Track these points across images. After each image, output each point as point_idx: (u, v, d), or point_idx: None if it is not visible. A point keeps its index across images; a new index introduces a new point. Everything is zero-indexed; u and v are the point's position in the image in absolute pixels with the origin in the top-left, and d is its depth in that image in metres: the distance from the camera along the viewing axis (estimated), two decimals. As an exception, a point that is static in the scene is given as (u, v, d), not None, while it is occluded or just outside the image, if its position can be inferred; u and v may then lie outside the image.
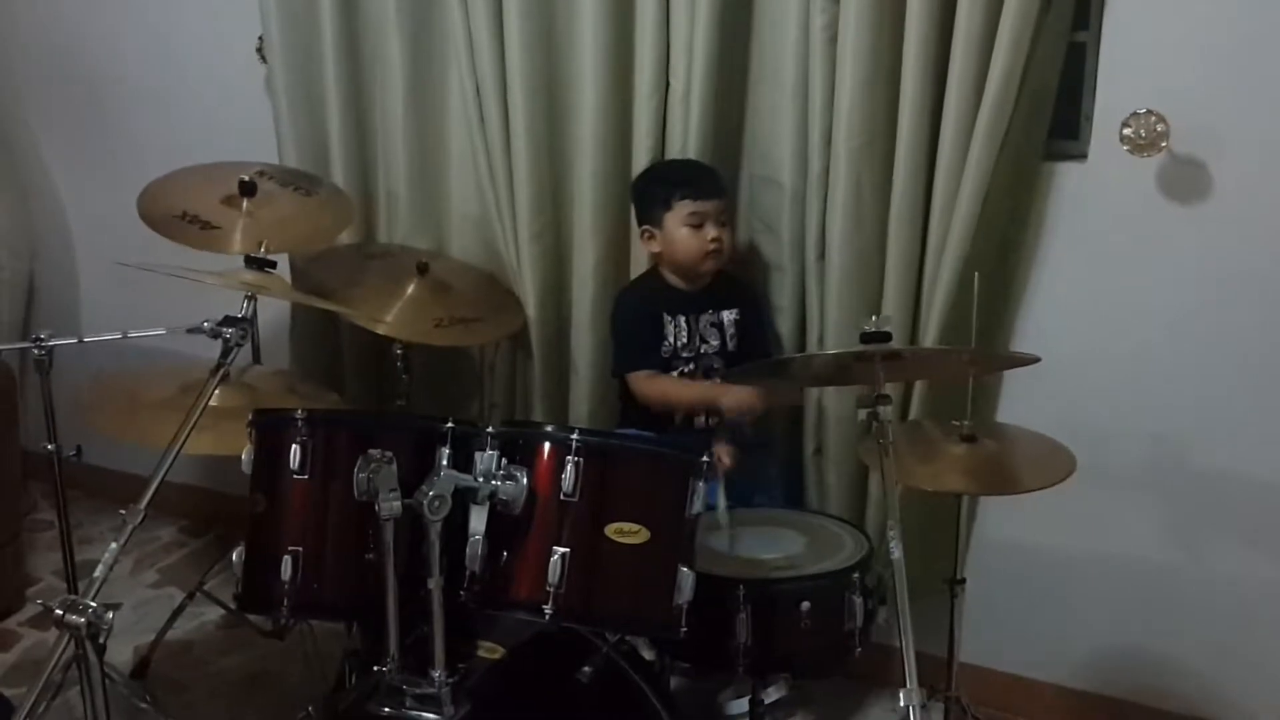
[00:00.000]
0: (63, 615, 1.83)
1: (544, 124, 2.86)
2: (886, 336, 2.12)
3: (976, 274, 2.42)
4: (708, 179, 2.71)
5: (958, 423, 2.40)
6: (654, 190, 2.75)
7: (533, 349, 3.01)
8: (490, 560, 2.06)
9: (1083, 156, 2.58)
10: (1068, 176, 2.59)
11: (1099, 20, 2.50)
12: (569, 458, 2.04)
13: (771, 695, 2.42)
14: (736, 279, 2.83)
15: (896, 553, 2.01)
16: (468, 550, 2.05)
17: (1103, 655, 2.83)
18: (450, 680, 2.04)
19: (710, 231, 2.69)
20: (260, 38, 3.13)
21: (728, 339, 2.76)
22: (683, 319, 2.77)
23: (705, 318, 2.77)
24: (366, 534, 2.05)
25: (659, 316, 2.77)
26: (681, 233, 2.70)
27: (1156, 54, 2.46)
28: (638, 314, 2.80)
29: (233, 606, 2.31)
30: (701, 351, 2.77)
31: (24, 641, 3.19)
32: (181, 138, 3.31)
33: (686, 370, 2.76)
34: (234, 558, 2.21)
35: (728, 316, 2.76)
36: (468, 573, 2.06)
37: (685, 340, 2.77)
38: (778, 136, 2.73)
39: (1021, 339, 2.69)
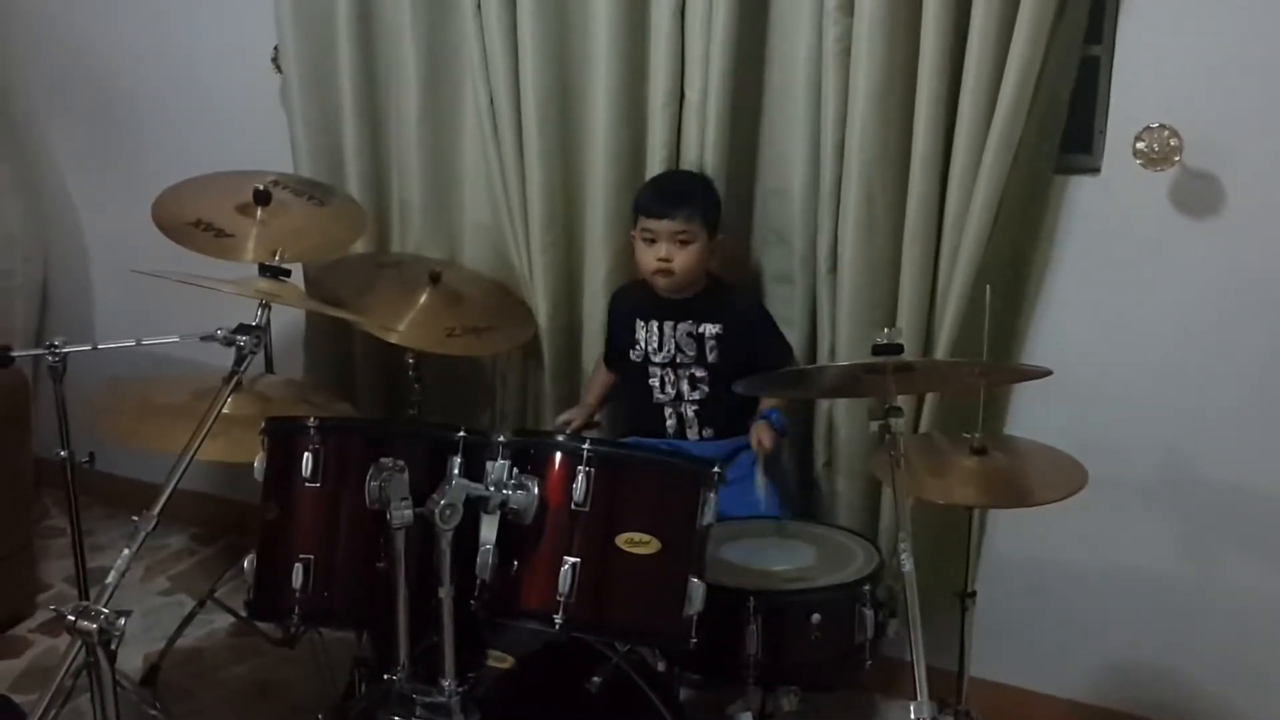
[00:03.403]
0: (75, 621, 1.82)
1: (557, 134, 2.87)
2: (898, 349, 2.12)
3: (989, 286, 2.42)
4: (669, 198, 2.70)
5: (969, 435, 2.40)
6: (633, 201, 2.79)
7: (544, 359, 3.02)
8: (501, 569, 2.06)
9: (1095, 170, 2.58)
10: (1080, 190, 2.59)
11: (1112, 34, 2.50)
12: (580, 468, 2.04)
13: (781, 707, 2.42)
14: (731, 295, 2.81)
15: (907, 565, 2.01)
16: (478, 559, 2.05)
17: (1114, 669, 2.82)
18: (460, 689, 2.04)
19: (660, 250, 2.70)
20: (276, 48, 3.15)
21: (707, 351, 2.75)
22: (655, 324, 2.78)
23: (683, 327, 2.76)
24: (378, 542, 2.05)
25: (631, 319, 2.80)
26: (639, 245, 2.75)
27: (1170, 68, 2.46)
28: (611, 311, 2.89)
29: (243, 614, 2.31)
30: (677, 361, 2.77)
31: (35, 648, 3.20)
32: (196, 146, 3.32)
33: (669, 379, 2.77)
34: (245, 565, 2.21)
35: (709, 330, 2.75)
36: (478, 582, 2.06)
37: (656, 345, 2.78)
38: (790, 148, 2.73)
39: (1033, 352, 2.69)
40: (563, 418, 2.86)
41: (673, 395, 2.78)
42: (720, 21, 2.64)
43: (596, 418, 2.94)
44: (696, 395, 2.77)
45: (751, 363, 2.67)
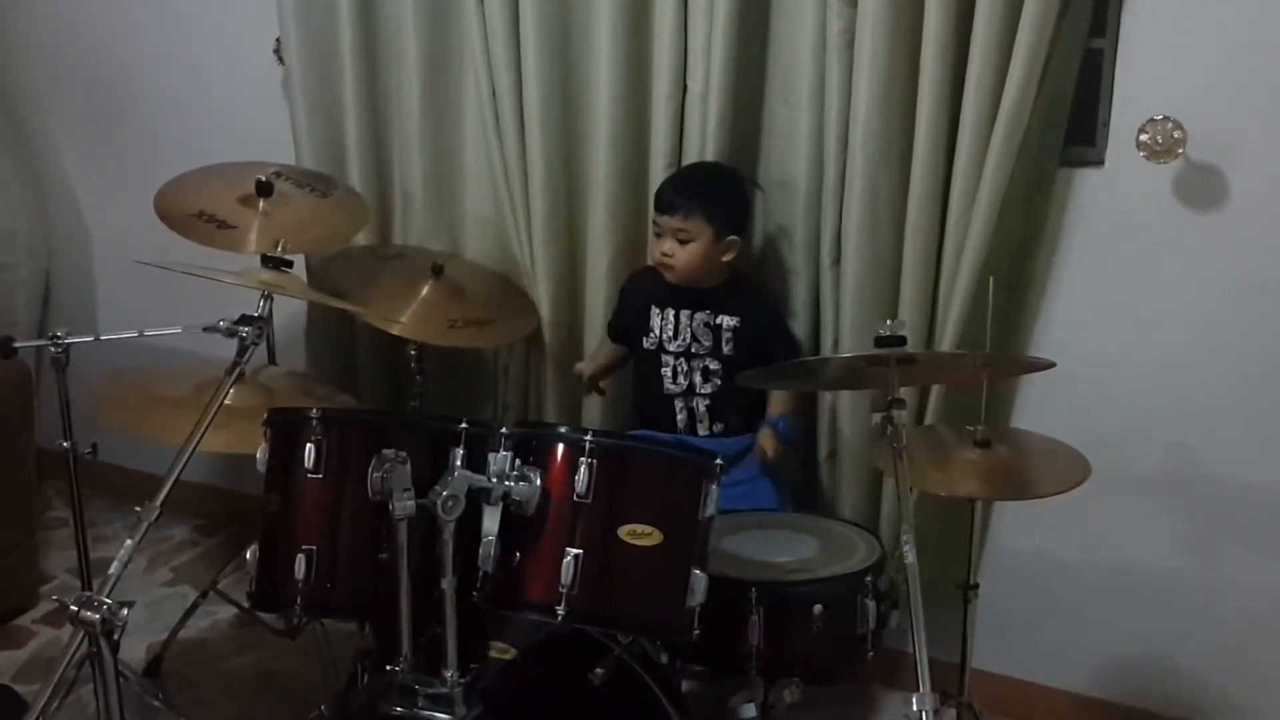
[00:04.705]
0: (77, 612, 1.83)
1: (559, 127, 2.87)
2: (901, 341, 2.12)
3: (992, 279, 2.42)
4: (674, 194, 2.69)
5: (972, 428, 2.40)
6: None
7: (546, 351, 3.01)
8: (503, 561, 2.06)
9: (1099, 163, 2.58)
10: (1084, 183, 2.59)
11: (1116, 27, 2.49)
12: (582, 459, 2.04)
13: (783, 699, 2.42)
14: (752, 289, 2.81)
15: (910, 557, 2.01)
16: (481, 551, 2.05)
17: (1116, 662, 2.82)
18: (462, 680, 2.04)
19: (663, 244, 2.70)
20: (278, 39, 3.14)
21: (723, 343, 2.75)
22: (671, 312, 2.77)
23: (700, 316, 2.76)
24: (380, 534, 2.05)
25: (646, 306, 2.80)
26: (650, 235, 2.76)
27: (1174, 60, 2.45)
28: (625, 294, 2.89)
29: (246, 605, 2.31)
30: (692, 350, 2.76)
31: (37, 639, 3.21)
32: (198, 138, 3.32)
33: (681, 369, 2.77)
34: (248, 556, 2.21)
35: (727, 322, 2.74)
36: (480, 573, 2.06)
37: (671, 334, 2.77)
38: (793, 141, 2.73)
39: (1037, 345, 2.68)
40: (577, 367, 2.94)
41: (684, 387, 2.78)
42: (722, 13, 2.63)
43: (602, 384, 2.99)
44: (708, 389, 2.77)
45: (763, 360, 2.66)
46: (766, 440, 2.66)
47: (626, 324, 2.87)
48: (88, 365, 2.58)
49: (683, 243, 2.68)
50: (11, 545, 3.26)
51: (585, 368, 2.94)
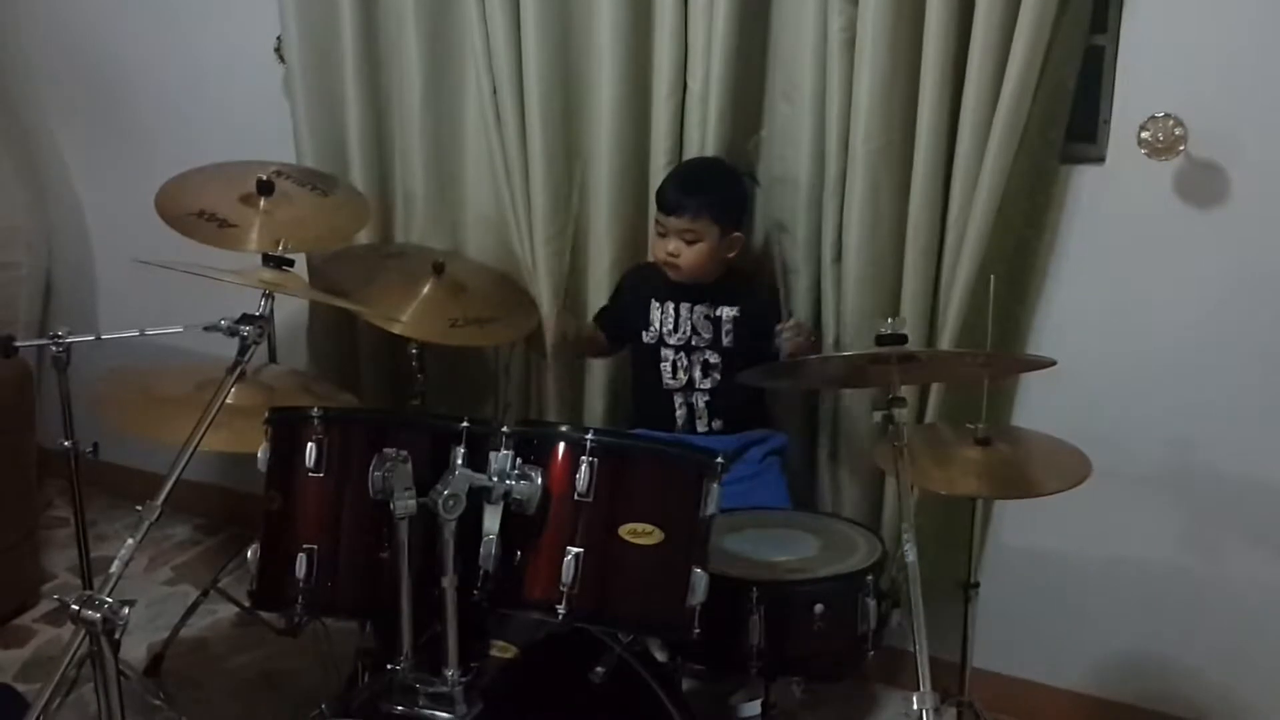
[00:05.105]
0: (79, 611, 1.82)
1: (560, 125, 2.87)
2: (902, 339, 2.12)
3: (992, 276, 2.42)
4: (680, 194, 2.69)
5: (973, 426, 2.39)
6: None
7: (547, 349, 3.01)
8: (504, 560, 2.06)
9: (1100, 160, 2.58)
10: (1085, 179, 2.59)
11: (1117, 23, 2.49)
12: (583, 458, 2.04)
13: (784, 698, 2.42)
14: (750, 279, 2.82)
15: (910, 556, 2.01)
16: (481, 550, 2.05)
17: (1117, 660, 2.82)
18: (463, 679, 2.04)
19: (669, 244, 2.70)
20: (279, 38, 3.14)
21: (723, 334, 2.75)
22: (671, 306, 2.77)
23: (700, 309, 2.76)
24: (381, 532, 2.05)
25: (646, 300, 2.80)
26: (653, 234, 2.76)
27: (1175, 57, 2.45)
28: (623, 287, 2.89)
29: (247, 604, 2.31)
30: (692, 343, 2.76)
31: (38, 638, 3.21)
32: (199, 137, 3.32)
33: (681, 364, 2.77)
34: (249, 555, 2.21)
35: (726, 312, 2.75)
36: (481, 572, 2.06)
37: (671, 327, 2.77)
38: (795, 138, 2.73)
39: (1038, 342, 2.68)
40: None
41: (684, 381, 2.78)
42: (722, 11, 2.63)
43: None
44: (708, 384, 2.77)
45: (762, 351, 2.67)
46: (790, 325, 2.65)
47: (623, 317, 2.87)
48: (88, 364, 2.58)
49: (689, 243, 2.68)
50: (12, 544, 3.27)
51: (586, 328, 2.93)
